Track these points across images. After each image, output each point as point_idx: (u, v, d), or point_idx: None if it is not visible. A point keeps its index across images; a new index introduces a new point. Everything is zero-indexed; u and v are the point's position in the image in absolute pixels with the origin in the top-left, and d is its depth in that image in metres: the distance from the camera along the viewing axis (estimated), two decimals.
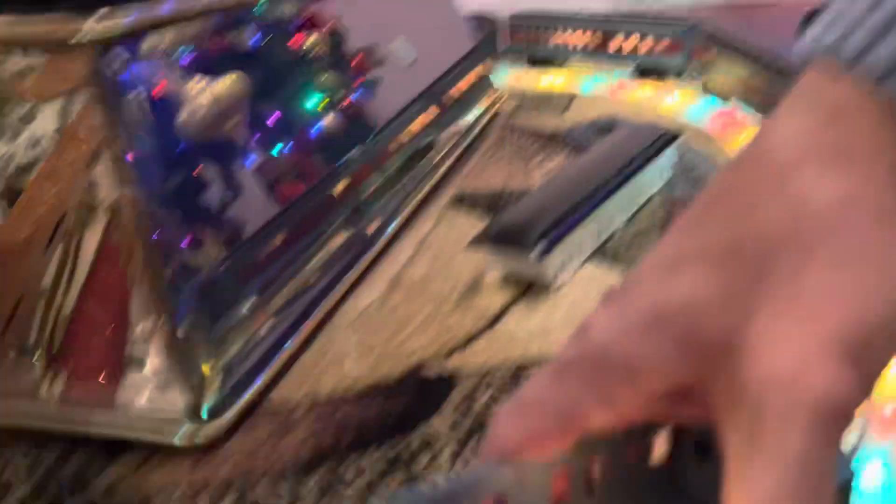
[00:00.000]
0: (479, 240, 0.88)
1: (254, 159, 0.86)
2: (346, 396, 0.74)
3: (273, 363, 0.76)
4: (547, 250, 0.84)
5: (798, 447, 0.25)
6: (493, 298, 0.89)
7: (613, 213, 0.98)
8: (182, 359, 0.67)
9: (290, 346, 0.79)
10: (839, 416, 0.26)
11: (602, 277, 0.91)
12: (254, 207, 0.84)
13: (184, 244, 0.78)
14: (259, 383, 0.74)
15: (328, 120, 1.04)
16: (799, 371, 0.26)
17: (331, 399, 0.74)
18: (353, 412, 0.72)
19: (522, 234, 0.84)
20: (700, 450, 0.33)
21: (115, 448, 0.68)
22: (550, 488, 0.31)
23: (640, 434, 0.33)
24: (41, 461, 0.68)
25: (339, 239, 0.98)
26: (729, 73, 1.33)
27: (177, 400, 0.67)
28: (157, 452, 0.68)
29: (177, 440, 0.67)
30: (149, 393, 0.68)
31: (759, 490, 0.25)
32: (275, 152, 0.90)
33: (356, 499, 0.61)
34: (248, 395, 0.72)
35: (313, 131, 1.03)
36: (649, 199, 1.10)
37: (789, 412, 0.26)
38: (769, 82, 1.25)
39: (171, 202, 0.72)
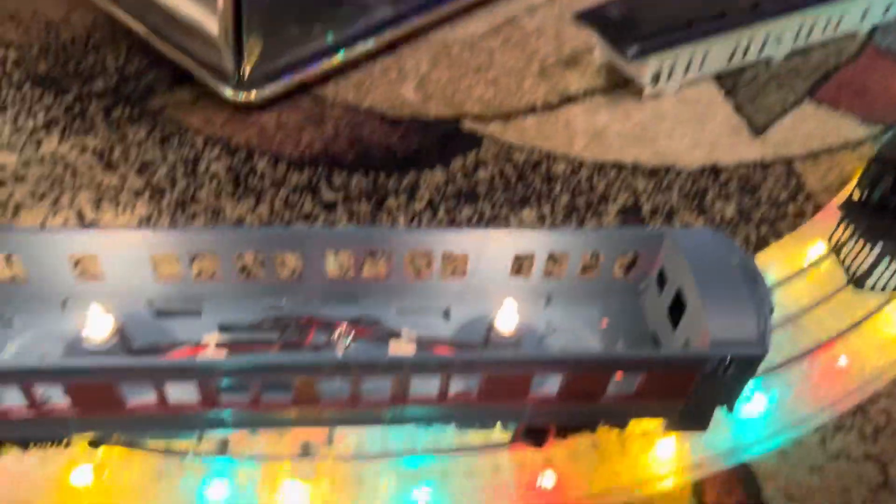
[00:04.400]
0: (585, 18, 0.80)
1: None
2: (383, 115, 0.78)
3: (336, 55, 0.80)
4: (642, 53, 0.76)
5: None
6: (581, 79, 0.85)
7: (765, 38, 0.85)
8: (243, 23, 0.73)
9: (365, 47, 0.82)
10: None
11: (705, 107, 0.82)
12: None
13: None
14: (314, 69, 0.79)
15: None
16: None
17: (369, 112, 0.79)
18: (378, 132, 0.76)
19: (625, 28, 0.76)
20: None
21: (181, 76, 0.79)
22: None
23: None
24: (131, 63, 0.81)
25: None
26: None
27: (230, 59, 0.74)
28: (210, 95, 0.78)
29: (226, 91, 0.76)
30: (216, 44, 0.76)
31: None
32: None
33: (321, 207, 0.68)
34: (298, 77, 0.78)
35: None
36: (837, 39, 0.92)
37: None
38: None
39: None
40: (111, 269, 0.47)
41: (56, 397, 0.42)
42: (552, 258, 0.50)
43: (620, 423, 0.49)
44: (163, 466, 0.49)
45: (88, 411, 0.42)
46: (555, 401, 0.44)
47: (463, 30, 0.90)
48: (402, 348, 0.47)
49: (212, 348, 0.47)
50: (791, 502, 0.51)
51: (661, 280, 0.49)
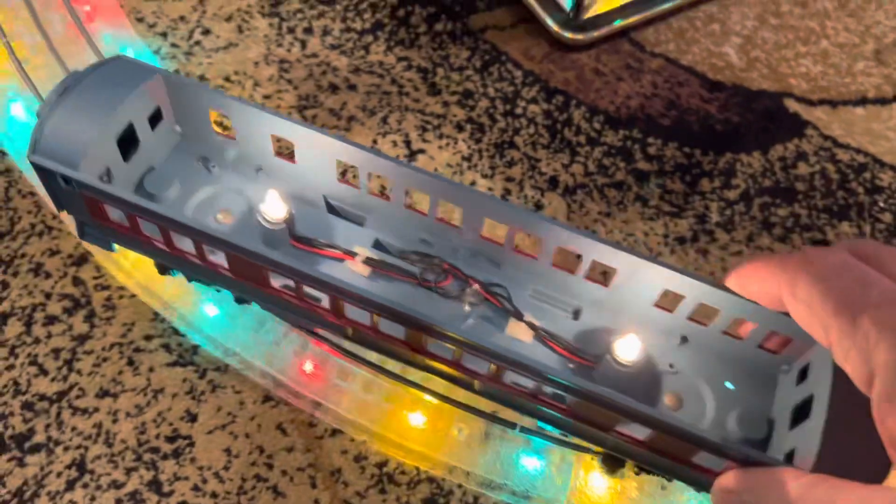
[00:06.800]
0: None
1: None
2: (703, 76, 0.74)
3: (660, 6, 0.76)
4: None
5: None
6: None
7: None
8: None
9: None
10: None
11: None
12: None
13: None
14: (639, 14, 0.75)
15: None
16: None
17: (689, 69, 0.75)
18: (697, 97, 0.73)
19: None
20: None
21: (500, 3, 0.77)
22: None
23: None
24: None
25: None
26: None
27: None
28: (529, 21, 0.75)
29: (551, 23, 0.73)
30: None
31: None
32: None
33: (633, 177, 0.67)
34: (619, 23, 0.74)
35: None
36: None
37: None
38: None
39: None
40: (301, 157, 0.51)
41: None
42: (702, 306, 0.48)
43: (700, 489, 0.48)
44: (489, 430, 0.53)
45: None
46: (637, 444, 0.44)
47: None
48: (518, 332, 0.48)
49: (359, 261, 0.50)
50: None
51: (803, 375, 0.46)
